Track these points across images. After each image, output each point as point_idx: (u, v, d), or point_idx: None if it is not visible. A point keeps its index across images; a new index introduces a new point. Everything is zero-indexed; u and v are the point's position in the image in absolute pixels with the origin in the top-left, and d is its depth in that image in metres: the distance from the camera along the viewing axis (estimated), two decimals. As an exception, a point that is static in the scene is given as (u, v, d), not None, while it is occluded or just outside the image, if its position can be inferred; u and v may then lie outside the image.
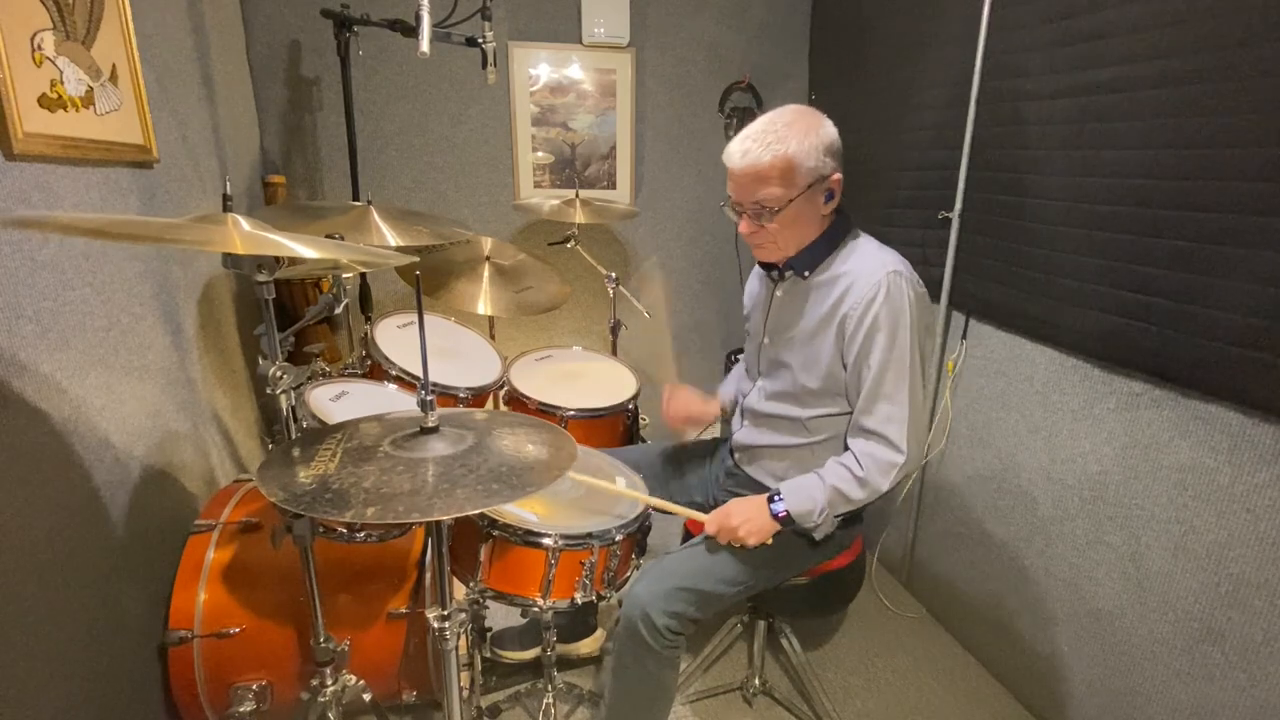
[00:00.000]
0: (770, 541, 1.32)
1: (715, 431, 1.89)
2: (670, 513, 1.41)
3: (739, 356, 1.72)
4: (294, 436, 1.07)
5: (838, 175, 1.28)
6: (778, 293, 1.43)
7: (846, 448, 1.33)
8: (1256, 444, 1.18)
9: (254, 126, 2.34)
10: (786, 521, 1.30)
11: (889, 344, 1.25)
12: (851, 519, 1.46)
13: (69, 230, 1.05)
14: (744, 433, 1.54)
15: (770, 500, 1.31)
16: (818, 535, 1.33)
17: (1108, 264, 1.40)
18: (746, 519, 1.30)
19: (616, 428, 1.88)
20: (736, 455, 1.56)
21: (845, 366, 1.33)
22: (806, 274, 1.36)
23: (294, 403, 1.08)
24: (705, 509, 1.38)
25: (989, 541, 1.84)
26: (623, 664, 1.30)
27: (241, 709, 1.33)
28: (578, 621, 1.83)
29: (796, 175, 1.24)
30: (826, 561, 1.44)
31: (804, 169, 1.24)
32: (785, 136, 1.23)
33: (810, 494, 1.29)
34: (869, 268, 1.29)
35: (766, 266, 1.45)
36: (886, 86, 2.21)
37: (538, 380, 1.88)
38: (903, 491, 2.13)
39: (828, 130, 1.27)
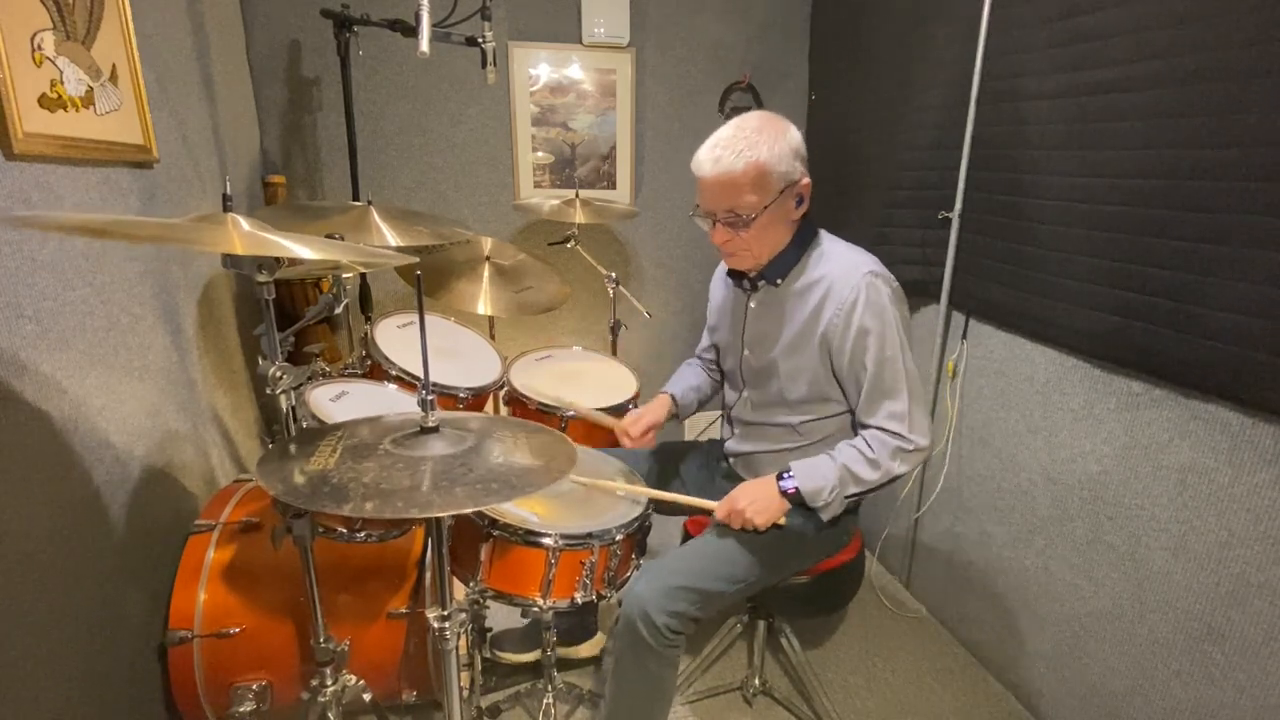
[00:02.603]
0: (784, 522, 1.31)
1: (714, 433, 1.89)
2: (677, 503, 1.40)
3: (702, 356, 1.71)
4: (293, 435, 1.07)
5: (807, 180, 1.29)
6: (751, 304, 1.43)
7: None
8: (1256, 444, 1.18)
9: (254, 126, 2.34)
10: (795, 499, 1.29)
11: (880, 345, 1.26)
12: (849, 517, 1.46)
13: (68, 230, 1.05)
14: (735, 442, 1.54)
15: (779, 477, 1.31)
16: (825, 515, 1.31)
17: (1108, 264, 1.40)
18: (753, 500, 1.30)
19: (616, 428, 1.88)
20: (731, 460, 1.57)
21: (834, 372, 1.34)
22: (779, 282, 1.36)
23: (294, 403, 1.08)
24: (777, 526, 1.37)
25: (989, 541, 1.84)
26: (622, 663, 1.30)
27: (241, 709, 1.33)
28: (578, 624, 1.83)
29: (769, 181, 1.24)
30: (826, 560, 1.44)
31: (776, 174, 1.24)
32: (756, 143, 1.22)
33: (821, 471, 1.29)
34: (843, 271, 1.29)
35: (736, 276, 1.44)
36: (886, 87, 2.21)
37: (538, 380, 1.88)
38: (902, 491, 2.13)
39: (794, 135, 1.27)
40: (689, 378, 1.67)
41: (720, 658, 1.87)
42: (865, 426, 1.32)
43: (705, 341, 1.68)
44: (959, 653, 1.95)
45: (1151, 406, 1.37)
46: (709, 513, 1.36)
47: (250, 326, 2.07)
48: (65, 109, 1.18)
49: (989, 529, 1.84)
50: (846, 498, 1.30)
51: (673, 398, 1.61)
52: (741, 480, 1.51)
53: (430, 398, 0.98)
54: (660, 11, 2.62)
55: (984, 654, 1.90)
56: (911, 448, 1.27)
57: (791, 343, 1.35)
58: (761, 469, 1.48)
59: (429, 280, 2.01)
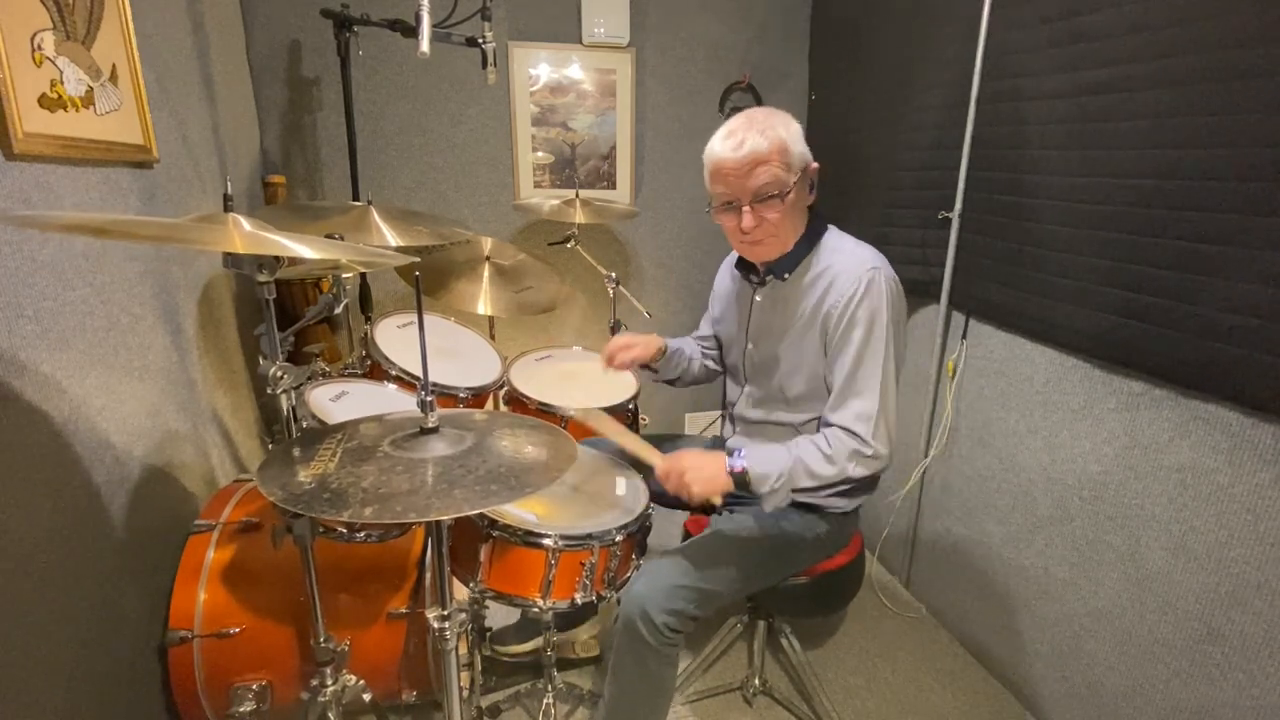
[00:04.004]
0: (719, 502, 1.28)
1: (714, 432, 1.89)
2: (627, 448, 1.38)
3: (698, 339, 1.71)
4: (294, 436, 1.07)
5: (815, 165, 1.31)
6: (757, 298, 1.43)
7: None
8: (1256, 444, 1.18)
9: (254, 126, 2.34)
10: (741, 480, 1.26)
11: (864, 341, 1.26)
12: (849, 518, 1.46)
13: (68, 230, 1.06)
14: (736, 441, 1.53)
15: (730, 454, 1.29)
16: (767, 506, 1.28)
17: (1107, 264, 1.40)
18: (699, 467, 1.27)
19: (616, 428, 1.88)
20: None
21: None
22: (786, 276, 1.36)
23: (294, 403, 1.08)
24: (705, 511, 1.38)
25: (989, 541, 1.84)
26: (622, 662, 1.30)
27: (241, 709, 1.32)
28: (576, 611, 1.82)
29: (792, 160, 1.27)
30: (826, 561, 1.44)
31: (795, 153, 1.27)
32: (773, 124, 1.26)
33: (774, 458, 1.27)
34: (849, 265, 1.30)
35: (744, 269, 1.45)
36: (886, 87, 2.21)
37: (538, 380, 1.88)
38: (903, 491, 2.13)
39: (797, 123, 1.30)
40: (686, 345, 1.67)
41: (720, 658, 1.88)
42: (829, 425, 1.30)
43: (704, 330, 1.68)
44: (959, 653, 1.95)
45: (1151, 406, 1.37)
46: (653, 469, 1.33)
47: (250, 326, 2.07)
48: (65, 109, 1.18)
49: (989, 529, 1.84)
50: (794, 491, 1.27)
51: (665, 345, 1.59)
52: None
53: (430, 398, 0.98)
54: (660, 11, 2.62)
55: (984, 654, 1.90)
56: (870, 453, 1.25)
57: (794, 336, 1.36)
58: None
59: (429, 280, 2.01)
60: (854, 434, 1.26)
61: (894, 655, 1.93)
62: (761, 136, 1.24)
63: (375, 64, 2.41)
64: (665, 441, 1.71)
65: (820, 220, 1.38)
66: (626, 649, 1.28)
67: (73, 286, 1.19)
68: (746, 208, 1.28)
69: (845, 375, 1.28)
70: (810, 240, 1.35)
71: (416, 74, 2.47)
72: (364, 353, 1.75)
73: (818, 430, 1.39)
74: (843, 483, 1.28)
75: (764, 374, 1.44)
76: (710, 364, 1.69)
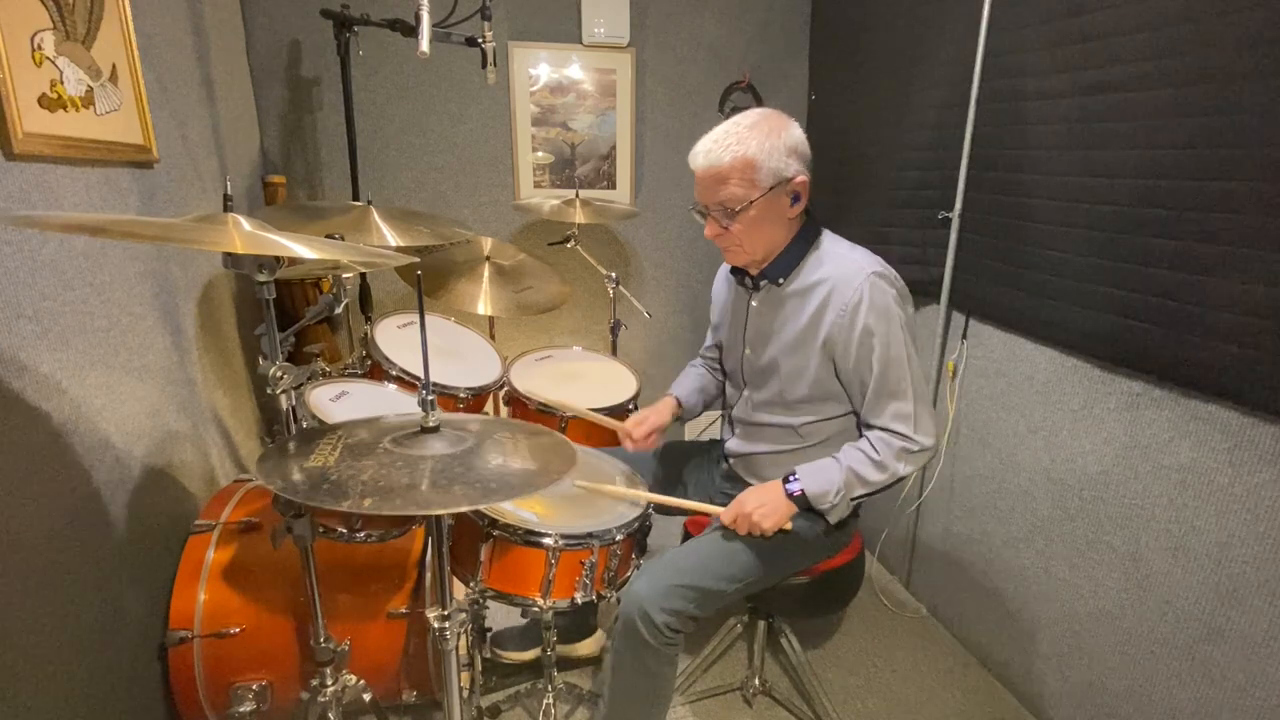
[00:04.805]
0: (790, 527, 1.31)
1: (714, 433, 1.89)
2: (681, 510, 1.40)
3: (705, 355, 1.71)
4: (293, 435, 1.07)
5: (803, 177, 1.28)
6: (754, 303, 1.43)
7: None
8: (1256, 444, 1.18)
9: (254, 126, 2.34)
10: (801, 501, 1.30)
11: (885, 346, 1.27)
12: (849, 518, 1.46)
13: (68, 229, 1.06)
14: (735, 442, 1.54)
15: (785, 480, 1.32)
16: (832, 518, 1.32)
17: (1108, 264, 1.40)
18: (761, 503, 1.30)
19: (617, 428, 1.88)
20: (731, 461, 1.56)
21: (838, 373, 1.34)
22: (781, 281, 1.36)
23: (294, 403, 1.08)
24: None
25: (989, 541, 1.84)
26: (621, 661, 1.30)
27: (241, 709, 1.33)
28: (578, 622, 1.83)
29: (757, 175, 1.24)
30: (826, 561, 1.44)
31: (765, 169, 1.24)
32: (746, 138, 1.24)
33: (827, 475, 1.30)
34: (847, 272, 1.29)
35: (739, 274, 1.45)
36: (886, 86, 2.20)
37: (538, 380, 1.88)
38: (902, 491, 2.13)
39: (793, 133, 1.27)
40: (693, 380, 1.68)
41: (720, 658, 1.87)
42: (870, 427, 1.32)
43: (710, 340, 1.68)
44: (959, 653, 1.95)
45: (1151, 406, 1.37)
46: (715, 517, 1.36)
47: (250, 326, 2.07)
48: (65, 109, 1.18)
49: (989, 529, 1.84)
50: (852, 500, 1.31)
51: (677, 400, 1.62)
52: (742, 481, 1.51)
53: (430, 398, 0.98)
54: (660, 11, 2.62)
55: (984, 654, 1.90)
56: (917, 448, 1.28)
57: (793, 343, 1.35)
58: (762, 470, 1.47)
59: (429, 280, 2.01)
60: (897, 434, 1.28)
61: (894, 655, 1.93)
62: (725, 151, 1.24)
63: (375, 64, 2.41)
64: (667, 449, 1.71)
65: (814, 225, 1.37)
66: (626, 648, 1.28)
67: (73, 286, 1.19)
68: (710, 216, 1.31)
69: (875, 380, 1.29)
70: (803, 246, 1.35)
71: (416, 74, 2.47)
72: (364, 353, 1.75)
73: (818, 430, 1.40)
74: (895, 483, 1.31)
75: (763, 379, 1.44)
76: (720, 379, 1.69)
